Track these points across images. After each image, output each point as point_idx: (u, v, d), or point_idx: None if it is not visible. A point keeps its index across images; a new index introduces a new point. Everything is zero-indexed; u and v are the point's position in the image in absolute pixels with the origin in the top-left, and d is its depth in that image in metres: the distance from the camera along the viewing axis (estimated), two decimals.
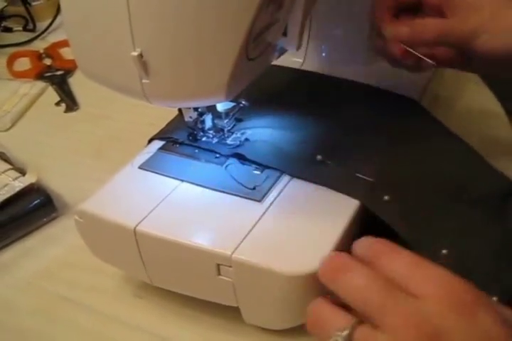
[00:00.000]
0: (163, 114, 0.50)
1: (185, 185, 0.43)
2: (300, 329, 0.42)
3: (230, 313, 0.43)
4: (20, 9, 0.89)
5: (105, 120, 0.68)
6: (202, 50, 0.34)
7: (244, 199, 0.42)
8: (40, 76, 0.77)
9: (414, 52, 0.45)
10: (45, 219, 0.55)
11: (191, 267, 0.40)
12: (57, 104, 0.72)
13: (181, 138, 0.47)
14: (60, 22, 0.87)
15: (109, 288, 0.48)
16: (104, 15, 0.34)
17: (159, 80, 0.36)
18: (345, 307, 0.32)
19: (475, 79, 0.68)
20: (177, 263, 0.41)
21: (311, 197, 0.42)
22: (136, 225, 0.40)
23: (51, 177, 0.59)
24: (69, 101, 0.72)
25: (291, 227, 0.40)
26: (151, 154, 0.46)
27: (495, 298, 0.35)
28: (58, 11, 0.87)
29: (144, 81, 0.36)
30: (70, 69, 0.78)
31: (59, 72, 0.78)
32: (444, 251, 0.40)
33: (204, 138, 0.47)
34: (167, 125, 0.50)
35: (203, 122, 0.46)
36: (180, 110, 0.46)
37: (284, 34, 0.42)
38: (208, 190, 0.43)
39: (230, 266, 0.38)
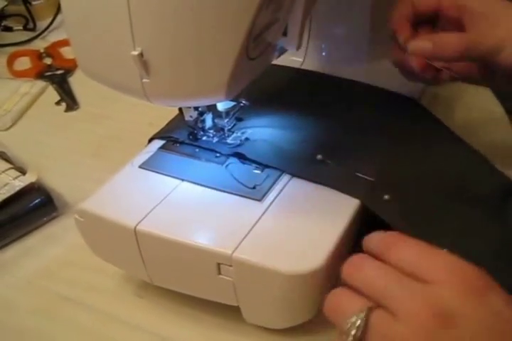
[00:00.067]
0: (164, 114, 0.50)
1: (185, 184, 0.43)
2: (300, 329, 0.42)
3: (231, 312, 0.43)
4: (20, 8, 0.89)
5: (105, 119, 0.68)
6: (202, 49, 0.34)
7: (244, 199, 0.42)
8: (40, 75, 0.77)
9: (445, 68, 0.45)
10: (45, 219, 0.55)
11: (191, 266, 0.40)
12: (58, 103, 0.72)
13: (182, 137, 0.47)
14: (61, 21, 0.87)
15: (109, 288, 0.48)
16: (104, 15, 0.34)
17: (160, 79, 0.36)
18: None
19: None
20: (177, 262, 0.41)
21: (311, 197, 0.42)
22: (137, 224, 0.40)
23: (51, 177, 0.59)
24: (69, 100, 0.72)
25: (292, 226, 0.40)
26: (151, 153, 0.46)
27: None
28: (58, 10, 0.87)
29: (144, 80, 0.36)
30: (70, 68, 0.78)
31: (59, 72, 0.78)
32: (444, 250, 0.40)
33: (204, 138, 0.47)
34: (167, 124, 0.50)
35: (203, 121, 0.46)
36: (180, 109, 0.46)
37: (284, 34, 0.42)
38: (208, 189, 0.43)
39: (231, 265, 0.38)
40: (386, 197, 0.42)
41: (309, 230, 0.39)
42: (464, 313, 0.30)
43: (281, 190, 0.42)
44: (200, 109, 0.45)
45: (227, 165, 0.45)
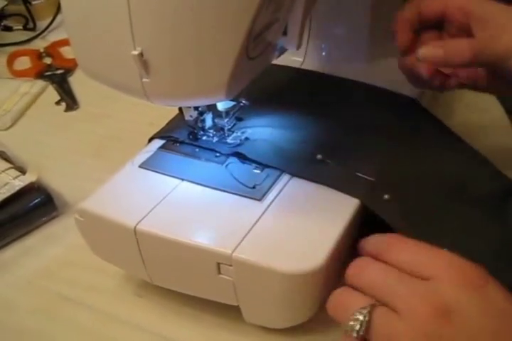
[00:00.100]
0: (164, 113, 0.49)
1: (185, 183, 0.43)
2: (300, 328, 0.42)
3: (231, 312, 0.43)
4: (20, 8, 0.89)
5: (105, 119, 0.68)
6: (202, 49, 0.34)
7: (244, 198, 0.42)
8: (40, 75, 0.77)
9: (453, 74, 0.45)
10: (45, 218, 0.55)
11: (191, 266, 0.40)
12: (58, 103, 0.72)
13: (182, 137, 0.47)
14: (61, 21, 0.87)
15: (109, 287, 0.48)
16: (104, 14, 0.34)
17: (160, 79, 0.36)
18: None
19: None
20: (177, 262, 0.41)
21: (311, 196, 0.42)
22: (137, 224, 0.40)
23: (51, 176, 0.59)
24: (69, 100, 0.72)
25: (292, 226, 0.40)
26: (151, 153, 0.46)
27: None
28: (58, 9, 0.87)
29: (144, 80, 0.36)
30: (70, 68, 0.78)
31: (59, 71, 0.78)
32: (444, 250, 0.40)
33: (204, 137, 0.47)
34: (167, 124, 0.50)
35: (203, 121, 0.46)
36: (180, 109, 0.46)
37: (284, 33, 0.42)
38: (208, 188, 0.43)
39: (231, 265, 0.38)
40: (386, 196, 0.42)
41: (309, 230, 0.39)
42: (463, 307, 0.31)
43: (281, 190, 0.42)
44: (200, 109, 0.45)
45: (227, 165, 0.45)
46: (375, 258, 0.36)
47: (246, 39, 0.34)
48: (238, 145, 0.46)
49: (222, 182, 0.43)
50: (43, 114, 0.71)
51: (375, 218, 0.41)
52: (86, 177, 0.58)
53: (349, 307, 0.34)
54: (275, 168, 0.44)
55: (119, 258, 0.45)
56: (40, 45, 0.84)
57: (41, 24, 0.88)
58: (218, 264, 0.38)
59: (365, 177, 0.43)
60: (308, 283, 0.38)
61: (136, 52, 0.34)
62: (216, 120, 0.46)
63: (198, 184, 0.43)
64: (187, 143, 0.47)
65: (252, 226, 0.39)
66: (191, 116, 0.45)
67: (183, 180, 0.44)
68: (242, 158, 0.45)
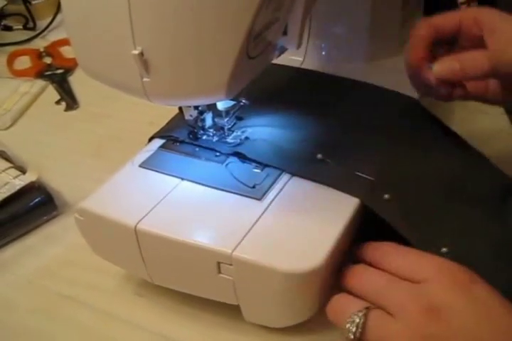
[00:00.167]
0: (164, 113, 0.49)
1: (185, 183, 0.43)
2: (300, 328, 0.42)
3: (230, 311, 0.43)
4: (20, 8, 0.89)
5: (105, 119, 0.68)
6: (202, 48, 0.34)
7: (244, 198, 0.42)
8: (40, 74, 0.77)
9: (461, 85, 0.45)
10: (45, 218, 0.55)
11: (192, 265, 0.40)
12: (58, 102, 0.72)
13: (182, 136, 0.47)
14: (60, 20, 0.87)
15: (109, 287, 0.48)
16: (104, 14, 0.34)
17: (160, 78, 0.36)
18: None
19: None
20: (177, 261, 0.41)
21: (311, 196, 0.42)
22: (137, 223, 0.40)
23: (51, 176, 0.59)
24: (69, 99, 0.72)
25: (292, 225, 0.40)
26: (151, 152, 0.46)
27: None
28: (58, 9, 0.87)
29: (144, 79, 0.36)
30: (70, 67, 0.78)
31: (59, 71, 0.78)
32: (444, 249, 0.40)
33: (204, 137, 0.47)
34: (167, 123, 0.50)
35: (203, 120, 0.46)
36: (180, 108, 0.46)
37: (285, 33, 0.42)
38: (208, 188, 0.43)
39: (231, 264, 0.38)
40: (386, 196, 0.42)
41: (309, 229, 0.39)
42: (451, 305, 0.33)
43: (281, 189, 0.42)
44: (200, 108, 0.45)
45: (227, 164, 0.45)
46: (371, 265, 0.39)
47: (246, 38, 0.34)
48: (238, 144, 0.46)
49: (223, 182, 0.43)
50: (43, 114, 0.71)
51: (374, 217, 0.41)
52: (86, 177, 0.58)
53: (346, 310, 0.36)
54: (275, 167, 0.44)
55: (119, 257, 0.45)
56: (40, 44, 0.84)
57: (41, 24, 0.88)
58: (218, 263, 0.38)
59: (365, 176, 0.43)
60: (308, 282, 0.38)
61: (136, 52, 0.34)
62: (216, 119, 0.46)
63: (198, 183, 0.43)
64: (187, 143, 0.47)
65: (252, 226, 0.39)
66: (191, 115, 0.45)
67: (183, 179, 0.44)
68: (242, 157, 0.45)
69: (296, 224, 0.40)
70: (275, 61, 0.44)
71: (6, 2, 0.90)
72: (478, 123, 0.62)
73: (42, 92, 0.74)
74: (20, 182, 0.54)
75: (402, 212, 0.42)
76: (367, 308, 0.35)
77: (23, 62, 0.80)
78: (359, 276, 0.38)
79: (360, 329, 0.34)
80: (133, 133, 0.61)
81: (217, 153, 0.45)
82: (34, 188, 0.54)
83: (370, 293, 0.37)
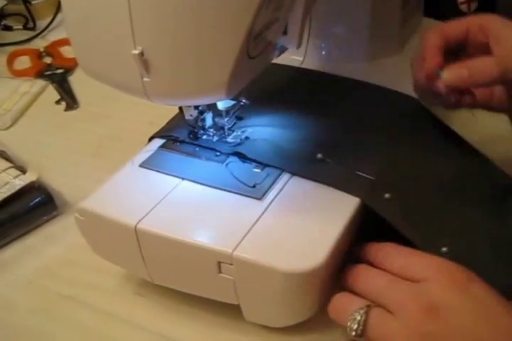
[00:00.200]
0: (164, 113, 0.49)
1: (185, 183, 0.43)
2: (300, 327, 0.42)
3: (231, 311, 0.43)
4: (20, 8, 0.89)
5: (105, 118, 0.68)
6: (202, 48, 0.34)
7: (244, 197, 0.42)
8: (40, 74, 0.77)
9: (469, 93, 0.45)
10: (45, 218, 0.55)
11: (192, 265, 0.40)
12: (58, 102, 0.72)
13: (182, 136, 0.47)
14: (60, 20, 0.87)
15: (109, 286, 0.48)
16: (104, 14, 0.34)
17: (160, 78, 0.36)
18: None
19: None
20: (178, 261, 0.41)
21: (311, 195, 0.42)
22: (137, 223, 0.40)
23: (52, 176, 0.59)
24: (69, 99, 0.72)
25: (292, 225, 0.40)
26: (151, 152, 0.46)
27: None
28: (58, 9, 0.87)
29: (144, 79, 0.36)
30: (70, 67, 0.78)
31: (59, 71, 0.78)
32: (444, 249, 0.40)
33: (204, 137, 0.47)
34: (167, 123, 0.50)
35: (203, 120, 0.46)
36: (180, 108, 0.46)
37: (285, 33, 0.42)
38: (208, 188, 0.43)
39: (231, 264, 0.38)
40: (387, 195, 0.42)
41: (309, 228, 0.39)
42: (449, 304, 0.34)
43: (281, 189, 0.42)
44: (200, 108, 0.45)
45: (227, 164, 0.45)
46: (372, 265, 0.39)
47: (246, 38, 0.34)
48: (238, 144, 0.46)
49: (223, 182, 0.43)
50: (43, 114, 0.71)
51: (375, 217, 0.41)
52: (86, 177, 0.58)
53: (348, 309, 0.37)
54: (275, 167, 0.44)
55: (120, 257, 0.45)
56: (40, 44, 0.84)
57: (41, 23, 0.88)
58: (219, 263, 0.38)
59: (366, 176, 0.43)
60: (308, 282, 0.38)
61: (136, 52, 0.34)
62: (216, 119, 0.46)
63: (198, 183, 0.43)
64: (187, 143, 0.47)
65: (253, 225, 0.39)
66: (191, 115, 0.45)
67: (183, 179, 0.44)
68: (243, 157, 0.45)
69: (296, 224, 0.40)
70: (275, 61, 0.44)
71: (6, 2, 0.90)
72: (478, 122, 0.62)
73: (42, 92, 0.74)
74: (20, 182, 0.53)
75: (402, 212, 0.42)
76: (368, 306, 0.36)
77: (23, 62, 0.80)
78: (361, 276, 0.39)
79: (361, 327, 0.35)
80: (133, 133, 0.61)
81: (218, 153, 0.45)
82: (34, 188, 0.54)
83: (372, 292, 0.37)
